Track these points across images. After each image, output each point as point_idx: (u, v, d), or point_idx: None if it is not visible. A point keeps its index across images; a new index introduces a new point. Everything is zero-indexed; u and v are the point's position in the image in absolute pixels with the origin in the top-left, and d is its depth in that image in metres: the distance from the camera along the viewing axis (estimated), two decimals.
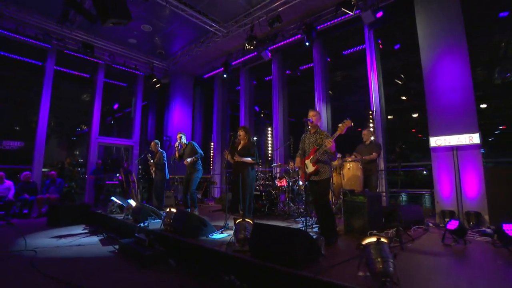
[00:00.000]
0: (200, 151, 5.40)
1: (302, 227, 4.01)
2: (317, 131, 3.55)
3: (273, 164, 7.27)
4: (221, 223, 4.34)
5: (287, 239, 2.58)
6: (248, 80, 9.56)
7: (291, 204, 5.82)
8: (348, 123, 3.11)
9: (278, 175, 6.40)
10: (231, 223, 4.14)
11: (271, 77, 9.74)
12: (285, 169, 6.89)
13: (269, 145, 8.49)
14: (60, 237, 5.03)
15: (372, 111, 6.10)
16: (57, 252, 4.04)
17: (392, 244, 3.22)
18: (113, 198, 6.22)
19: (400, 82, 7.18)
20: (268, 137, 8.59)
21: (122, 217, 5.37)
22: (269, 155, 8.39)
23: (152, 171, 6.63)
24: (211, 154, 10.14)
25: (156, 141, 6.75)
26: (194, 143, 5.50)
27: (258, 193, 5.72)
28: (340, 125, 3.21)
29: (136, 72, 9.70)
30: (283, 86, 8.54)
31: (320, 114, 6.70)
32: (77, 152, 13.40)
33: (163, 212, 4.89)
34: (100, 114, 9.27)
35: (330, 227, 3.37)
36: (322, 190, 3.44)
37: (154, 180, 6.49)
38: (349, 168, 4.89)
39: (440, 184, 4.58)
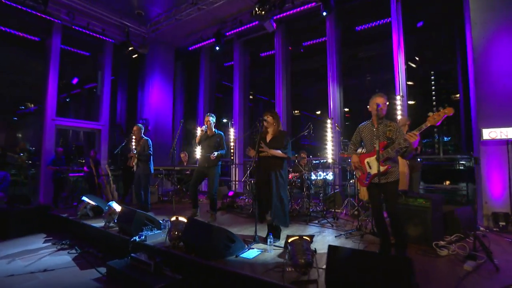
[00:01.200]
0: (225, 147, 4.66)
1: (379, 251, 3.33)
2: (383, 122, 2.91)
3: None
4: (234, 229, 3.54)
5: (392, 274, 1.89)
6: (243, 55, 8.54)
7: (308, 201, 5.22)
8: (448, 111, 2.44)
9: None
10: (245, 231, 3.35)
11: (269, 53, 8.84)
12: (294, 162, 6.22)
13: None
14: (13, 256, 3.87)
15: (401, 96, 5.58)
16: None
17: (477, 262, 2.71)
18: (84, 198, 5.06)
19: (414, 65, 6.72)
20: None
21: (102, 225, 4.30)
22: None
23: (132, 163, 5.53)
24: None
25: (139, 124, 5.63)
26: (223, 134, 4.71)
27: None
28: (432, 114, 2.54)
29: (104, 38, 8.14)
30: (286, 64, 7.70)
31: (333, 98, 6.39)
32: (20, 136, 11.42)
33: (164, 221, 3.95)
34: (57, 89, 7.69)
35: (404, 236, 2.82)
36: (393, 194, 2.87)
37: (136, 174, 5.42)
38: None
39: (490, 182, 4.22)
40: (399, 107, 5.55)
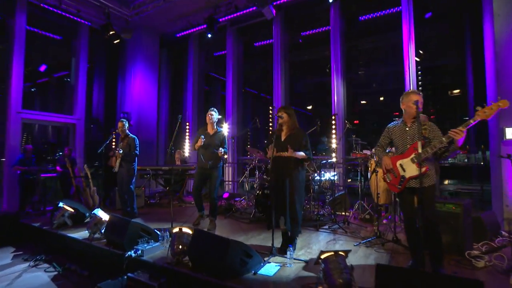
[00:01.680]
0: (226, 144, 4.39)
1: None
2: (416, 120, 2.74)
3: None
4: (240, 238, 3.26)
5: None
6: (237, 44, 8.15)
7: (315, 205, 5.06)
8: (503, 103, 2.26)
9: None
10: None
11: (264, 42, 8.52)
12: None
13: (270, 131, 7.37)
14: None
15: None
16: None
17: None
18: (62, 204, 4.56)
19: (418, 59, 6.66)
20: (268, 121, 7.47)
21: (85, 237, 3.86)
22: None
23: (114, 163, 5.08)
24: (186, 137, 8.66)
25: (124, 120, 5.18)
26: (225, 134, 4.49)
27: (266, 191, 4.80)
28: (482, 108, 2.35)
29: (79, 20, 7.47)
30: (285, 55, 7.41)
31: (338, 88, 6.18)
32: None
33: (162, 232, 3.58)
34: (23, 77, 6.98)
35: (442, 248, 2.67)
36: (431, 200, 2.70)
37: (118, 176, 4.99)
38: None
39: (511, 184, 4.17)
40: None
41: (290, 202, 3.15)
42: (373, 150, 3.26)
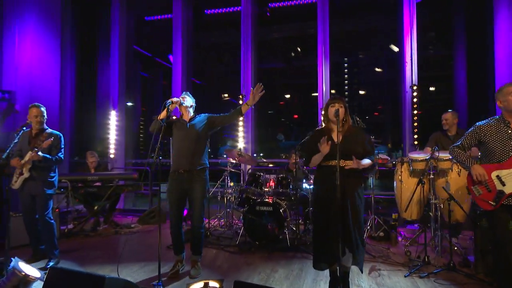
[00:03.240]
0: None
1: None
2: None
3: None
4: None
5: None
6: (186, 8, 7.00)
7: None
8: None
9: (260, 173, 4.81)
10: None
11: (218, 10, 7.60)
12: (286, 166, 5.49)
13: (240, 130, 6.48)
14: None
15: (416, 86, 5.52)
16: None
17: None
18: None
19: (396, 49, 7.01)
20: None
21: None
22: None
23: (16, 174, 3.60)
24: (109, 133, 7.10)
25: (41, 106, 3.75)
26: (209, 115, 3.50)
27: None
28: None
29: None
30: (255, 27, 6.70)
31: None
32: None
33: None
34: None
35: None
36: None
37: (25, 194, 3.60)
38: (458, 173, 3.95)
39: None
40: (414, 99, 5.49)
41: (357, 228, 2.62)
42: (450, 151, 2.96)
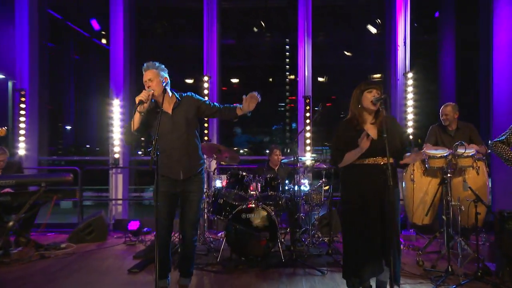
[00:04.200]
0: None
1: None
2: None
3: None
4: None
5: None
6: None
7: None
8: None
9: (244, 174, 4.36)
10: None
11: None
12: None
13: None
14: None
15: (411, 73, 5.42)
16: None
17: None
18: None
19: (374, 30, 7.06)
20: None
21: None
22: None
23: None
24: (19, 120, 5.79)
25: None
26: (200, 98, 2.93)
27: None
28: None
29: None
30: None
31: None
32: None
33: None
34: None
35: None
36: None
37: None
38: (477, 171, 3.91)
39: None
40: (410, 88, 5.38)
41: (396, 237, 2.56)
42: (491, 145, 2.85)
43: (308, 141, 5.63)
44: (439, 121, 4.39)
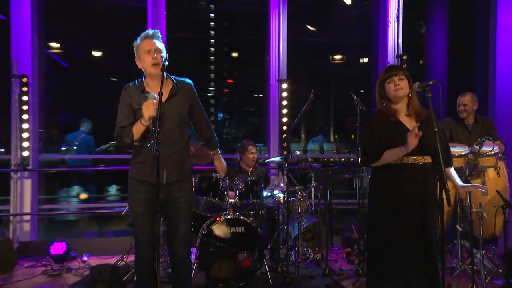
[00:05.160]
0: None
1: None
2: None
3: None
4: None
5: None
6: None
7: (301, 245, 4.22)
8: None
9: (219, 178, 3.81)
10: None
11: None
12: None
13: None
14: None
15: (403, 55, 5.11)
16: None
17: None
18: None
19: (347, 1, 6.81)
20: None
21: None
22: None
23: None
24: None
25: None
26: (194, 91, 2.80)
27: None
28: None
29: None
30: None
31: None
32: None
33: None
34: None
35: None
36: None
37: None
38: (498, 173, 3.81)
39: None
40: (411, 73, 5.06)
41: (438, 249, 2.45)
42: None
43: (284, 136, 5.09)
44: (455, 115, 4.34)
